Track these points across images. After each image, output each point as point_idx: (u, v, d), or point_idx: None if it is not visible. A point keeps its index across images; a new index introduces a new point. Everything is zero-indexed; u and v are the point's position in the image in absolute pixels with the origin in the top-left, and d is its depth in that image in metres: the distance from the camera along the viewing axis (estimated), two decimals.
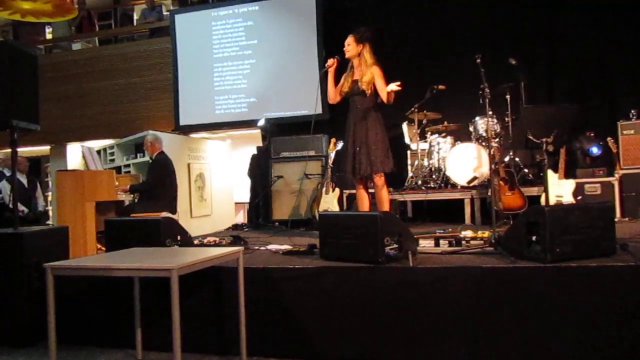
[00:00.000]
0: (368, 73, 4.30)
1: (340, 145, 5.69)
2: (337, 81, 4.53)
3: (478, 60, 3.96)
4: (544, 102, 6.27)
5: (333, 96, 4.52)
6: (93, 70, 8.58)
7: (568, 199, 5.10)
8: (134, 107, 8.34)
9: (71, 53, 9.32)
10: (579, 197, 5.21)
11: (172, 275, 2.21)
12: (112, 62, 8.50)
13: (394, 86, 4.05)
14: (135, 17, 10.40)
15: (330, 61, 4.45)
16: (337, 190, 5.67)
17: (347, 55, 4.40)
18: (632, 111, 5.52)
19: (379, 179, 4.35)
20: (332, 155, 5.74)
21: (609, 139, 5.53)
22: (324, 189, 5.64)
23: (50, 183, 9.66)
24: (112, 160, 7.57)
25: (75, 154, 8.86)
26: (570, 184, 5.16)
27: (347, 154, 4.45)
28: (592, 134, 5.84)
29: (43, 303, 2.49)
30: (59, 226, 4.16)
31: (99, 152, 7.26)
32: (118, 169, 7.23)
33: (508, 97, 5.76)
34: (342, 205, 5.92)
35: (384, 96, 4.21)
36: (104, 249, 3.93)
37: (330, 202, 5.54)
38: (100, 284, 3.32)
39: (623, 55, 6.14)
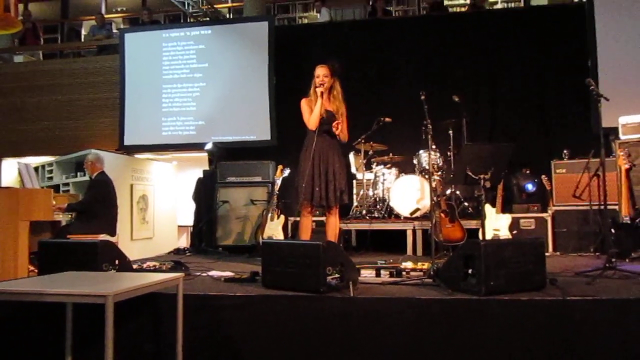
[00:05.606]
0: (342, 107, 4.43)
1: (287, 172, 5.73)
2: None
3: (422, 97, 4.14)
4: (485, 138, 6.53)
5: (318, 119, 4.30)
6: (35, 84, 8.28)
7: (504, 232, 5.30)
8: (77, 124, 8.10)
9: (12, 65, 8.99)
10: (515, 232, 5.43)
11: (107, 301, 2.14)
12: (56, 77, 8.25)
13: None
14: (84, 32, 10.20)
15: (327, 82, 4.32)
16: (282, 217, 5.67)
17: (324, 86, 4.30)
18: (565, 151, 5.81)
19: (337, 208, 4.44)
20: (279, 181, 5.76)
21: (543, 176, 5.81)
22: (269, 216, 5.63)
23: None
24: (51, 179, 7.27)
25: (10, 170, 8.48)
26: (507, 218, 5.37)
27: (311, 180, 4.29)
28: (527, 171, 6.11)
29: None
30: None
31: (36, 169, 6.98)
32: (56, 188, 6.94)
33: (451, 132, 5.98)
34: (287, 233, 5.90)
35: (344, 135, 4.42)
36: (36, 271, 3.76)
37: (275, 229, 5.53)
38: (30, 309, 3.16)
39: (557, 98, 6.52)
